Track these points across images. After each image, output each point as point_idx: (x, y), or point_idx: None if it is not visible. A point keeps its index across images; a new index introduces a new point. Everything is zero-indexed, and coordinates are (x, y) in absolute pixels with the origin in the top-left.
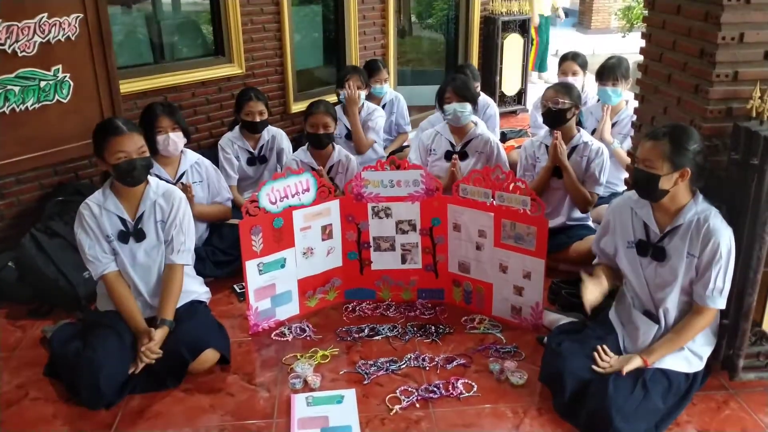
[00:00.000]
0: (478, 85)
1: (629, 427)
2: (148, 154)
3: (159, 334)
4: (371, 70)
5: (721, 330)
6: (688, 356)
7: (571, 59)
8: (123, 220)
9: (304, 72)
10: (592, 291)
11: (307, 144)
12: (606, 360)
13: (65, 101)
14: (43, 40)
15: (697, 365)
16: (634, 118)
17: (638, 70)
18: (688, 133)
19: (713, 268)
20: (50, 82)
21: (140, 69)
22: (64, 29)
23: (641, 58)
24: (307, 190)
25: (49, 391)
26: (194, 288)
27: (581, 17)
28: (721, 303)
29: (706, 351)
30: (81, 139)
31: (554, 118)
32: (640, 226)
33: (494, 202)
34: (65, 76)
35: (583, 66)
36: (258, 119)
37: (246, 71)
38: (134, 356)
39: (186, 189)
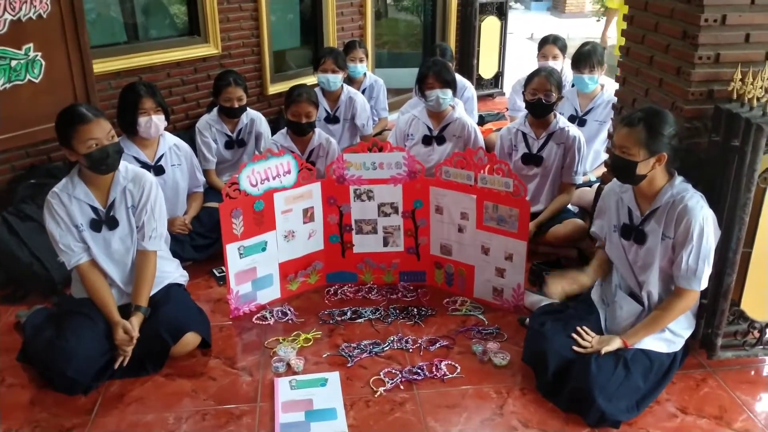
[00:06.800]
0: (451, 66)
1: (611, 406)
2: (117, 138)
3: (134, 321)
4: (346, 49)
5: (699, 309)
6: (669, 337)
7: (551, 43)
8: (94, 209)
9: (281, 53)
10: (554, 285)
11: (286, 128)
12: (587, 340)
13: (37, 81)
14: (14, 18)
15: (676, 346)
16: (614, 100)
17: (619, 52)
18: (663, 117)
19: (685, 250)
20: (21, 62)
21: (114, 48)
22: (35, 6)
23: (616, 42)
24: (288, 172)
25: (25, 377)
26: (170, 269)
27: (555, 1)
28: (697, 284)
29: (686, 333)
30: (53, 120)
31: (543, 109)
32: (625, 210)
33: (477, 184)
34: (37, 55)
35: (563, 49)
36: (236, 105)
37: (222, 52)
38: (110, 343)
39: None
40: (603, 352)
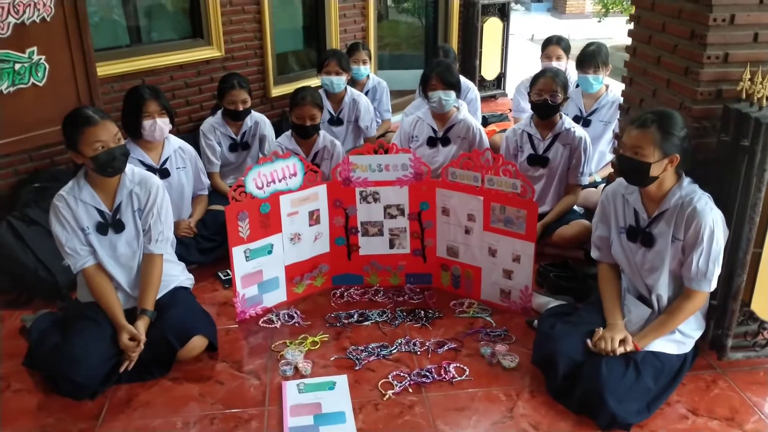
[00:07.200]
0: (456, 67)
1: (622, 408)
2: (123, 140)
3: (140, 326)
4: (350, 51)
5: (709, 310)
6: (679, 339)
7: (555, 43)
8: (100, 212)
9: (283, 55)
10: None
11: (290, 130)
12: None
13: (41, 84)
14: (18, 21)
15: (686, 347)
16: (620, 101)
17: (626, 52)
18: (674, 118)
19: (695, 252)
20: (25, 65)
21: (117, 51)
22: (39, 10)
23: (618, 43)
24: (294, 174)
25: (31, 382)
26: (176, 273)
27: (556, 2)
28: (707, 286)
29: (697, 334)
30: (57, 124)
31: (549, 110)
32: (631, 212)
33: (484, 185)
34: (40, 59)
35: (567, 50)
36: (241, 108)
37: (225, 54)
38: (116, 348)
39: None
40: (618, 353)
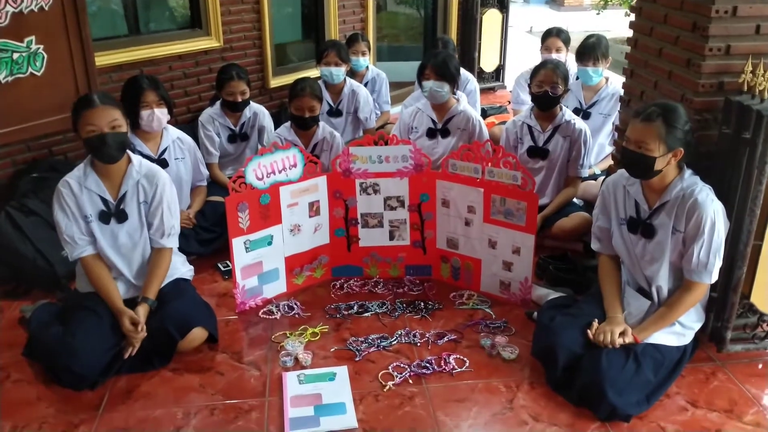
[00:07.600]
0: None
1: (622, 400)
2: (123, 129)
3: (140, 311)
4: (349, 42)
5: (709, 303)
6: (679, 331)
7: (555, 35)
8: (104, 200)
9: (282, 46)
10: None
11: (290, 121)
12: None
13: (39, 74)
14: (16, 10)
15: (686, 339)
16: (620, 93)
17: (627, 44)
18: (679, 112)
19: (696, 243)
20: (23, 54)
21: (115, 41)
22: None
23: (617, 35)
24: (294, 165)
25: (31, 372)
26: (177, 264)
27: None
28: (708, 278)
29: (696, 326)
30: (55, 114)
31: (550, 102)
32: (632, 204)
33: (484, 177)
34: (39, 48)
35: (566, 42)
36: (240, 99)
37: (224, 44)
38: (116, 338)
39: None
40: (617, 345)
